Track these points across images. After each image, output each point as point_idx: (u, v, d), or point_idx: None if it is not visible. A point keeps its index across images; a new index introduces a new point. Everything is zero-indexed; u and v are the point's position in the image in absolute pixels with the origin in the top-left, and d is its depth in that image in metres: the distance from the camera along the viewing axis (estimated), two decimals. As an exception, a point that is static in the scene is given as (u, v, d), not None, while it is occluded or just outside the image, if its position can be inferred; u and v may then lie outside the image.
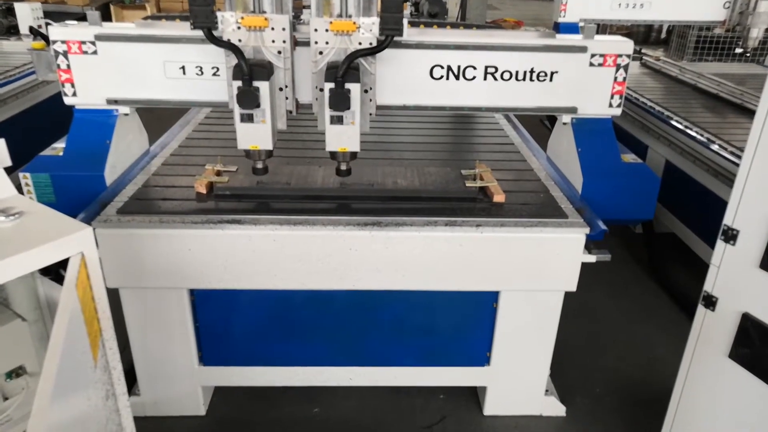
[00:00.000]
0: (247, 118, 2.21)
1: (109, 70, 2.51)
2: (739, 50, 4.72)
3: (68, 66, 2.50)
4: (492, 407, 2.75)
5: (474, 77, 2.57)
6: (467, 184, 2.58)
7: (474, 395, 2.87)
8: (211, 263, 2.31)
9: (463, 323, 2.57)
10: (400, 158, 2.98)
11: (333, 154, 2.36)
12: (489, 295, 2.50)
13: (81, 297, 1.41)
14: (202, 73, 2.53)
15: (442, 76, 2.56)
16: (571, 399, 2.85)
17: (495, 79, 2.58)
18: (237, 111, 2.19)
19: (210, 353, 2.58)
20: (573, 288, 2.42)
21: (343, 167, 2.41)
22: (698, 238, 3.65)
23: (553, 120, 5.88)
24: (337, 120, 2.20)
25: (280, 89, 2.30)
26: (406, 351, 2.62)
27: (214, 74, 2.53)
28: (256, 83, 2.14)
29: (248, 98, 2.14)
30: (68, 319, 1.31)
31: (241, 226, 2.26)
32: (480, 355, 2.63)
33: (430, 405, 2.80)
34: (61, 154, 2.58)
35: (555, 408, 2.77)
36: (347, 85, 2.13)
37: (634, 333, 3.41)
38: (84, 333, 1.42)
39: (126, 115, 2.69)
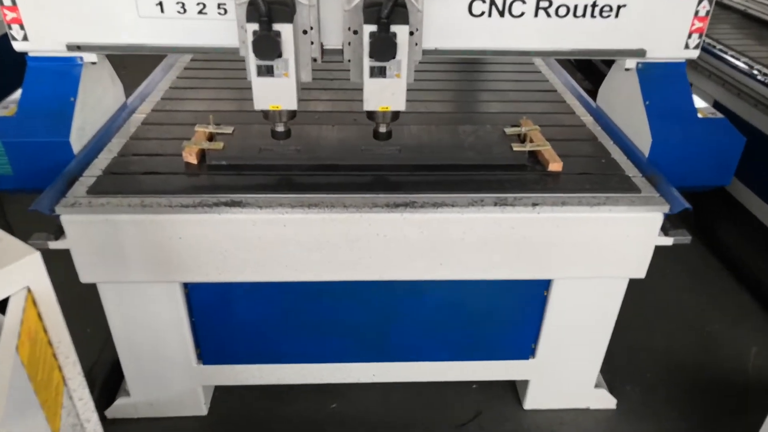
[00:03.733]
0: (266, 71, 1.74)
1: (67, 7, 1.99)
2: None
3: (14, 2, 1.96)
4: (534, 401, 2.43)
5: (522, 13, 2.07)
6: (515, 148, 2.13)
7: (510, 385, 2.54)
8: (207, 253, 1.89)
9: (505, 314, 2.19)
10: (426, 111, 2.49)
11: (371, 114, 1.91)
12: (539, 282, 2.11)
13: (29, 352, 1.00)
14: (185, 10, 2.01)
15: (483, 12, 2.05)
16: (621, 388, 2.53)
17: (548, 15, 2.08)
18: (253, 62, 1.72)
19: (210, 351, 2.20)
20: (642, 275, 2.03)
21: (383, 129, 1.97)
22: (753, 193, 3.24)
23: (582, 61, 5.31)
24: (379, 72, 1.74)
25: (304, 32, 1.81)
26: (438, 345, 2.25)
27: (200, 12, 2.01)
28: (276, 26, 1.66)
29: (268, 46, 1.67)
30: (6, 389, 0.90)
31: (242, 209, 1.82)
32: (524, 348, 2.27)
33: (463, 398, 2.47)
34: (13, 114, 2.09)
35: (605, 401, 2.45)
36: (393, 28, 1.65)
37: (683, 305, 3.06)
38: (34, 402, 1.01)
39: (93, 63, 2.18)
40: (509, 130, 2.26)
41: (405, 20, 1.68)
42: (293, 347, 2.22)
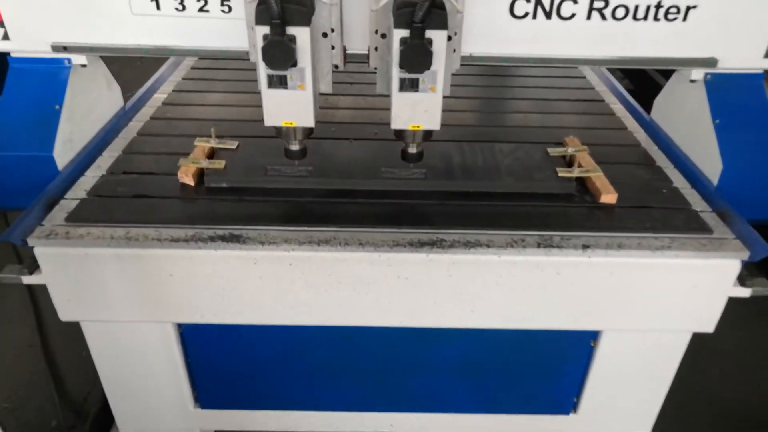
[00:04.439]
0: (279, 82, 1.48)
1: (53, 3, 1.76)
2: None
3: (-8, -3, 1.73)
4: (571, 457, 2.15)
5: (573, 15, 1.78)
6: (560, 173, 1.83)
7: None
8: (202, 292, 1.64)
9: (545, 365, 1.91)
10: (457, 123, 2.20)
11: (399, 132, 1.63)
12: (586, 332, 1.82)
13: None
14: (184, 7, 1.77)
15: (527, 14, 1.77)
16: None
17: (603, 17, 1.78)
18: (263, 72, 1.46)
19: (207, 394, 1.97)
20: (710, 329, 1.73)
21: (412, 150, 1.70)
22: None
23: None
24: (411, 85, 1.47)
25: (324, 35, 1.54)
26: (465, 395, 1.98)
27: (201, 9, 1.77)
28: (291, 30, 1.40)
29: (280, 53, 1.41)
30: None
31: (242, 246, 1.56)
32: (565, 402, 1.99)
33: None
34: (-8, 124, 1.86)
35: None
36: (429, 33, 1.38)
37: (741, 342, 2.73)
38: None
39: (83, 66, 1.94)
40: (553, 151, 1.96)
41: (443, 24, 1.40)
42: (301, 393, 1.96)
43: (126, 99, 2.30)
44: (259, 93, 1.52)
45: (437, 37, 1.39)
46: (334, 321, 1.70)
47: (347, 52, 1.66)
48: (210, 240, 1.56)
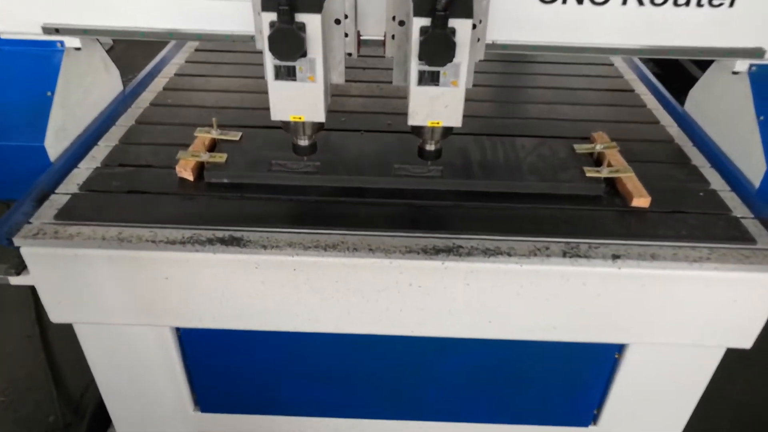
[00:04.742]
0: (287, 74, 1.35)
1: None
2: None
3: (-24, -27, 1.61)
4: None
5: (607, 0, 1.60)
6: (587, 173, 1.69)
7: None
8: (200, 297, 1.53)
9: (565, 375, 1.79)
10: (475, 114, 2.05)
11: (417, 129, 1.50)
12: (611, 345, 1.69)
13: None
14: (185, -14, 1.62)
15: (556, -2, 1.61)
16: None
17: (641, 2, 1.63)
18: (270, 62, 1.33)
19: (208, 398, 1.88)
20: (747, 345, 1.59)
21: (431, 147, 1.56)
22: None
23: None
24: (431, 78, 1.33)
25: (337, 22, 1.40)
26: (480, 405, 1.87)
27: (205, -12, 1.63)
28: (301, 17, 1.26)
29: (288, 43, 1.28)
30: None
31: (242, 249, 1.44)
32: (584, 414, 1.87)
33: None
34: (-21, 111, 1.75)
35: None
36: (452, 22, 1.24)
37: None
38: None
39: (77, 49, 1.81)
40: (579, 148, 1.81)
41: (468, 12, 1.25)
42: (304, 398, 1.87)
43: (125, 83, 2.18)
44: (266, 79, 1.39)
45: (461, 27, 1.25)
46: (340, 329, 1.59)
47: (361, 38, 1.52)
48: (208, 242, 1.44)
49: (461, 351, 1.73)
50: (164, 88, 2.18)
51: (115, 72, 2.10)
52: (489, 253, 1.45)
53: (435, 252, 1.44)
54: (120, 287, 1.51)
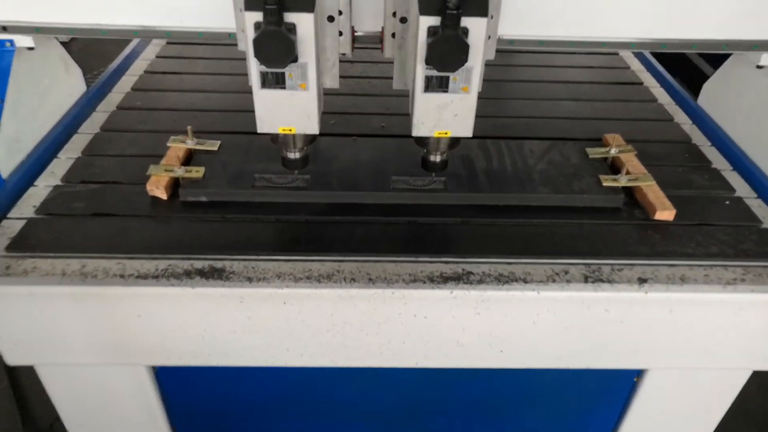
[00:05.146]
0: (275, 81, 1.17)
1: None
2: None
3: None
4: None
5: (624, -10, 1.45)
6: (604, 182, 1.54)
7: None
8: (178, 334, 1.36)
9: (579, 400, 1.66)
10: (479, 114, 1.85)
11: (421, 140, 1.34)
12: (630, 370, 1.56)
13: None
14: (149, -21, 1.42)
15: (568, -12, 1.44)
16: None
17: (660, -7, 1.45)
18: (255, 68, 1.15)
19: (191, 435, 1.72)
20: (775, 368, 1.48)
21: (436, 158, 1.40)
22: None
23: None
24: (439, 84, 1.16)
25: (330, 19, 1.22)
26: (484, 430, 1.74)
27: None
28: (291, 17, 1.08)
29: (277, 47, 1.09)
30: None
31: (224, 283, 1.27)
32: (599, 438, 1.76)
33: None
34: None
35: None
36: (464, 21, 1.06)
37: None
38: None
39: (30, 49, 1.59)
40: (593, 152, 1.66)
41: (483, 10, 1.08)
42: None
43: (89, 83, 1.97)
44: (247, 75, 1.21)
45: (475, 26, 1.08)
46: (336, 363, 1.43)
47: (356, 34, 1.34)
48: (186, 275, 1.27)
49: (469, 380, 1.58)
50: (133, 89, 1.98)
51: (77, 72, 1.89)
52: (503, 279, 1.29)
53: (443, 280, 1.28)
54: (86, 327, 1.33)
